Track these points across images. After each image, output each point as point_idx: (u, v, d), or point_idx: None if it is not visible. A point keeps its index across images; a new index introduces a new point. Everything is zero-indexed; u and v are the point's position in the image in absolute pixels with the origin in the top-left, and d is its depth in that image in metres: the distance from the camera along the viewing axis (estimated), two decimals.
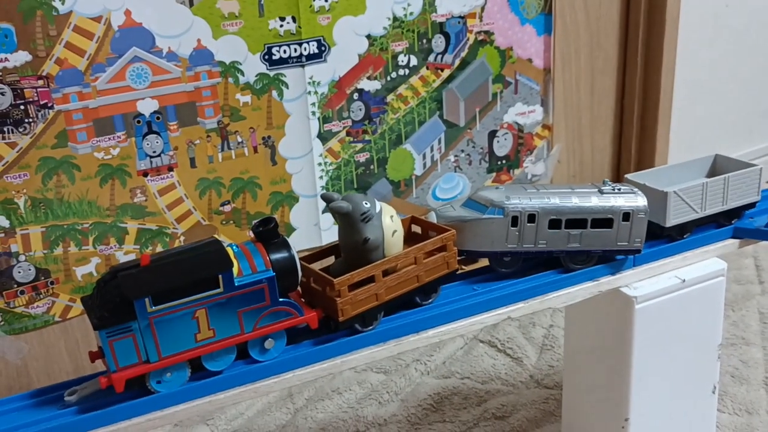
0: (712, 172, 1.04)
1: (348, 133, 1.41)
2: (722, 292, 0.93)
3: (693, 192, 0.92)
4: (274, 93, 1.32)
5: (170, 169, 1.27)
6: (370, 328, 0.79)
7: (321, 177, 1.41)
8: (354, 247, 0.79)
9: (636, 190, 0.87)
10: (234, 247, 0.77)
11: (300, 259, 0.84)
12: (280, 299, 0.76)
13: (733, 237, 0.95)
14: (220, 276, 0.72)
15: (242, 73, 1.28)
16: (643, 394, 0.92)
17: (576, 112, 1.71)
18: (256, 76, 1.29)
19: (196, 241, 0.77)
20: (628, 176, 0.97)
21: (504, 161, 1.62)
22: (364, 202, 0.78)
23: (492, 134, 1.59)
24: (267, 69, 1.30)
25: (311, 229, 1.43)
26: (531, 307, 0.84)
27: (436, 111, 1.50)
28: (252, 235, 0.80)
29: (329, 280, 0.77)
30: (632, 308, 0.87)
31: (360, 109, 1.42)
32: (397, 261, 0.80)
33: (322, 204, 1.42)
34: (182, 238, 1.31)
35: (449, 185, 1.58)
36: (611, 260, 0.88)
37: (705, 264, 0.93)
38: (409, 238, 0.87)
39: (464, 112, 1.54)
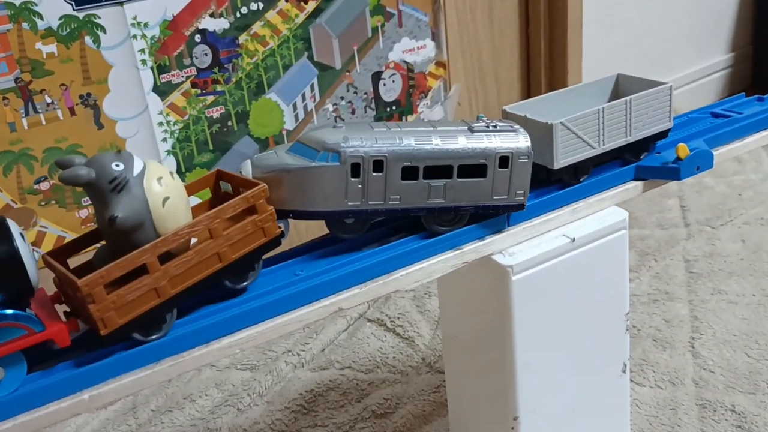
0: (615, 96, 0.83)
1: (194, 84, 1.17)
2: (625, 249, 0.74)
3: (586, 121, 0.72)
4: (88, 39, 1.07)
5: None
6: (157, 336, 0.57)
7: (165, 140, 1.17)
8: (110, 229, 0.56)
9: (517, 127, 0.66)
10: None
11: (52, 251, 0.61)
12: (2, 311, 0.54)
13: (635, 179, 0.75)
14: None
15: (40, 17, 1.02)
16: (533, 385, 0.72)
17: (474, 45, 1.49)
18: (59, 19, 1.04)
19: None
20: (507, 108, 0.76)
21: (394, 107, 1.41)
22: (114, 164, 0.56)
23: (376, 76, 1.37)
24: (73, 10, 1.04)
25: None
26: (370, 291, 0.63)
27: (304, 52, 1.27)
28: None
29: (74, 282, 0.54)
30: (508, 280, 0.67)
31: (205, 54, 1.18)
32: (177, 239, 0.57)
33: None
34: None
35: None
36: (487, 219, 0.67)
37: (600, 216, 0.73)
38: (220, 201, 0.65)
39: (339, 52, 1.32)
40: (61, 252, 0.61)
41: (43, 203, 1.09)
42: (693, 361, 0.98)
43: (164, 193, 0.57)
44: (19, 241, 0.55)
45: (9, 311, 0.54)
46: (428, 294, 1.20)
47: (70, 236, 1.13)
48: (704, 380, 0.95)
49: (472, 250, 0.67)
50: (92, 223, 1.14)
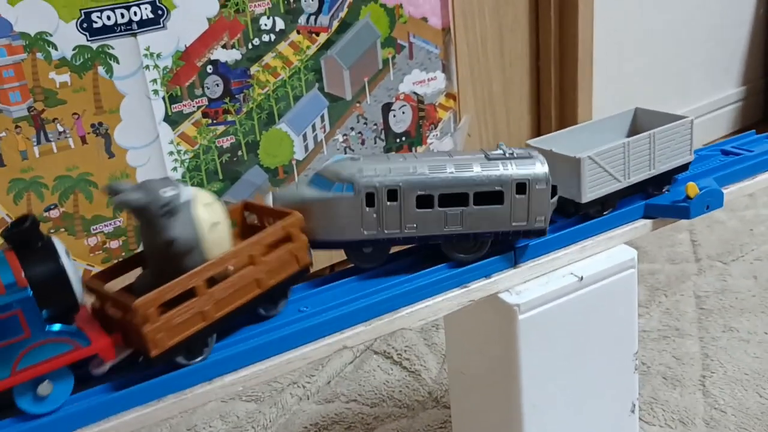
0: (633, 131, 0.83)
1: (204, 114, 1.18)
2: (634, 288, 0.73)
3: (612, 155, 0.72)
4: (101, 69, 1.08)
5: None
6: (200, 359, 0.57)
7: (175, 169, 1.18)
8: (160, 253, 0.57)
9: (534, 153, 0.66)
10: None
11: (94, 276, 0.62)
12: (50, 327, 0.54)
13: (645, 216, 0.75)
14: None
15: (54, 47, 1.03)
16: (539, 423, 0.71)
17: (485, 77, 1.50)
18: (73, 49, 1.05)
19: None
20: (531, 142, 0.76)
21: (404, 138, 1.41)
22: (163, 190, 0.56)
23: (387, 107, 1.37)
24: (87, 40, 1.05)
25: None
26: (375, 329, 0.62)
27: (315, 83, 1.28)
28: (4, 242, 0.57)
29: (126, 304, 0.55)
30: (514, 319, 0.67)
31: (217, 85, 1.18)
32: (224, 263, 0.59)
33: None
34: None
35: None
36: (509, 248, 0.67)
37: (609, 254, 0.72)
38: (245, 232, 0.66)
39: (350, 83, 1.32)
40: (101, 276, 0.61)
41: (52, 231, 1.10)
42: (704, 401, 0.97)
43: (212, 219, 0.58)
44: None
45: (56, 327, 0.55)
46: (435, 327, 1.19)
47: (79, 264, 1.13)
48: (715, 420, 0.93)
49: (479, 288, 0.67)
50: (100, 251, 1.14)
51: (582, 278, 0.69)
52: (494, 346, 0.70)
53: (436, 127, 1.45)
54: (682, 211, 0.73)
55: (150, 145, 1.14)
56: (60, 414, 0.52)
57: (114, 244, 1.15)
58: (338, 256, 1.34)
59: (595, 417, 0.76)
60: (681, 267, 1.29)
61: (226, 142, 1.21)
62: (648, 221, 0.75)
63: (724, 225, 1.40)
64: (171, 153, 1.16)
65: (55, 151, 1.07)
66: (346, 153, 1.35)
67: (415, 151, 1.42)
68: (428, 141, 1.44)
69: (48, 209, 1.08)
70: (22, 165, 1.05)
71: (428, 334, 1.18)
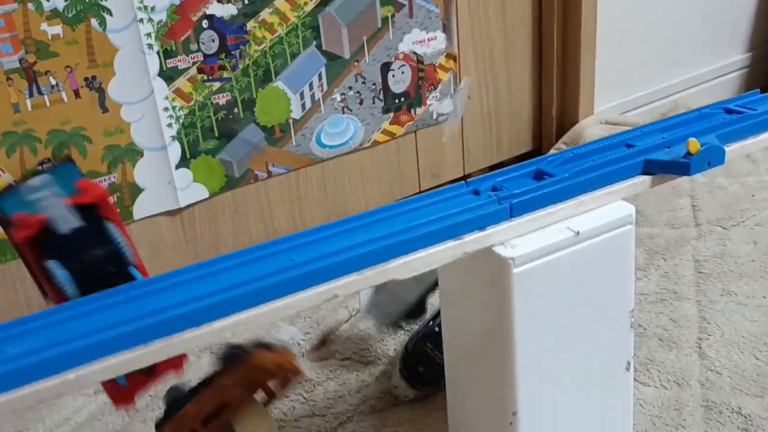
0: None
1: (200, 70, 1.16)
2: (631, 245, 0.72)
3: None
4: (94, 22, 1.06)
5: None
6: None
7: (170, 125, 1.16)
8: None
9: None
10: None
11: None
12: None
13: (643, 173, 0.73)
14: None
15: None
16: (533, 381, 0.71)
17: (486, 39, 1.48)
18: (65, 0, 1.03)
19: None
20: None
21: (403, 99, 1.39)
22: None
23: (385, 67, 1.35)
24: None
25: (164, 188, 1.19)
26: (367, 279, 0.61)
27: (313, 40, 1.26)
28: None
29: None
30: (509, 273, 0.66)
31: (213, 40, 1.16)
32: None
33: (175, 158, 1.18)
34: None
35: (337, 129, 1.34)
36: (504, 200, 0.66)
37: (606, 210, 0.71)
38: None
39: (348, 41, 1.30)
40: None
41: None
42: (700, 362, 0.96)
43: None
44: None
45: None
46: None
47: None
48: (711, 382, 0.93)
49: (473, 240, 0.65)
50: None
51: (578, 233, 0.68)
52: (488, 301, 0.69)
53: (435, 89, 1.43)
54: (682, 167, 0.71)
55: (144, 101, 1.13)
56: (44, 355, 0.52)
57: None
58: (336, 213, 1.33)
59: (590, 374, 0.75)
60: (681, 231, 1.27)
61: (221, 99, 1.19)
62: (647, 177, 0.73)
63: (725, 190, 1.38)
64: (166, 109, 1.15)
65: (47, 104, 1.05)
66: (344, 113, 1.33)
67: (415, 112, 1.41)
68: (428, 102, 1.43)
69: (41, 163, 1.07)
70: (14, 118, 1.04)
71: None
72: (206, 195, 1.23)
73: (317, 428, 0.92)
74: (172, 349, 0.55)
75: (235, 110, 1.21)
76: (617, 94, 1.70)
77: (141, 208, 1.17)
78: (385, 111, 1.38)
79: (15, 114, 1.03)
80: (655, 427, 0.87)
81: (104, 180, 1.13)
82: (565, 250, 0.68)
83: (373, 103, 1.36)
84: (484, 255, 0.67)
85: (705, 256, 1.19)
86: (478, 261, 0.67)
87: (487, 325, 0.71)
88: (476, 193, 0.70)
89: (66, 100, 1.06)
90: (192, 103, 1.17)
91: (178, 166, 1.18)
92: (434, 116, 1.44)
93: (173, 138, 1.17)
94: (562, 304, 0.70)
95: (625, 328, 0.76)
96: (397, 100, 1.38)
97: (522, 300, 0.67)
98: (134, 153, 1.14)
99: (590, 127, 1.59)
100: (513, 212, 0.67)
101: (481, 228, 0.66)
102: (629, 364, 0.78)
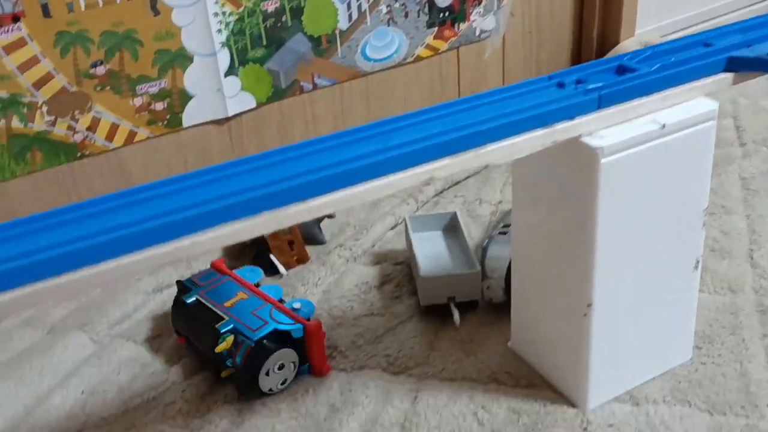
0: None
1: None
2: (712, 141, 0.72)
3: None
4: None
5: (16, 19, 0.99)
6: None
7: (219, 31, 1.15)
8: None
9: None
10: None
11: None
12: None
13: (726, 70, 0.73)
14: None
15: None
16: (609, 272, 0.72)
17: None
18: None
19: None
20: None
21: (447, 13, 1.37)
22: None
23: None
24: None
25: (212, 96, 1.18)
26: (462, 163, 0.62)
27: None
28: None
29: None
30: (596, 163, 0.66)
31: None
32: None
33: (224, 65, 1.17)
34: (45, 108, 1.05)
35: (382, 42, 1.33)
36: (592, 91, 0.66)
37: (690, 105, 0.71)
38: None
39: None
40: None
41: (98, 88, 1.08)
42: (752, 271, 0.98)
43: None
44: None
45: None
46: (479, 201, 1.19)
47: (125, 123, 1.12)
48: (764, 289, 0.94)
49: (562, 129, 0.66)
50: (145, 112, 1.13)
51: (664, 126, 0.68)
52: (571, 192, 0.70)
53: (479, 4, 1.40)
54: (766, 63, 0.71)
55: (195, 4, 1.11)
56: (164, 220, 0.52)
57: (159, 106, 1.14)
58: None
59: (661, 270, 0.76)
60: (726, 150, 1.28)
61: (270, 6, 1.18)
62: (729, 75, 0.73)
63: None
64: (216, 14, 1.13)
65: (100, 5, 1.04)
66: (389, 26, 1.31)
67: (458, 27, 1.39)
68: (471, 18, 1.41)
69: (94, 65, 1.06)
70: (68, 17, 1.02)
71: (471, 207, 1.18)
72: (253, 105, 1.22)
73: (377, 326, 0.94)
74: (278, 222, 0.56)
75: (284, 18, 1.19)
76: (659, 16, 1.67)
77: (190, 115, 1.17)
78: (430, 25, 1.36)
79: (69, 14, 1.02)
80: (711, 328, 0.89)
81: (155, 85, 1.12)
82: (650, 143, 0.68)
83: (418, 16, 1.34)
84: (572, 145, 0.67)
85: (752, 173, 1.20)
86: (564, 151, 0.68)
87: (567, 217, 0.72)
88: (561, 85, 0.70)
89: (118, 1, 1.05)
90: (241, 9, 1.15)
91: (227, 74, 1.17)
92: (477, 33, 1.42)
93: (222, 44, 1.15)
94: (644, 197, 0.71)
95: (697, 226, 0.77)
96: (441, 14, 1.36)
97: (607, 191, 0.68)
98: (184, 58, 1.13)
99: (630, 49, 1.57)
100: (601, 103, 0.67)
101: (570, 117, 0.66)
102: (698, 262, 0.79)
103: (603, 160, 0.66)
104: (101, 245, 0.49)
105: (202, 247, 0.53)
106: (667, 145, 0.69)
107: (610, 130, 0.68)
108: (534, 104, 0.66)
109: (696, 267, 0.79)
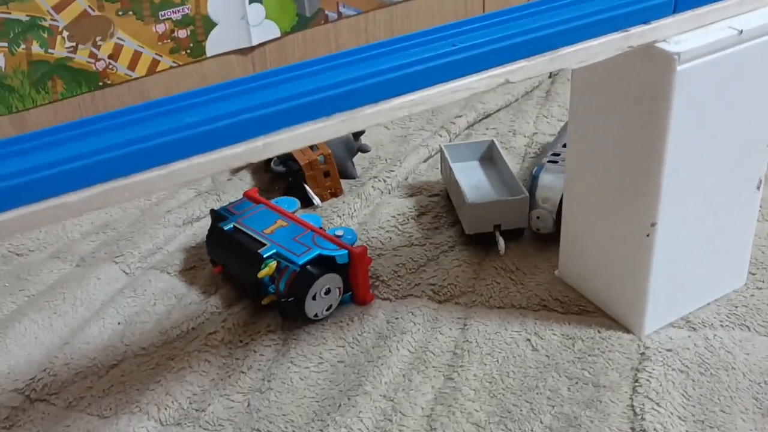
0: None
1: None
2: None
3: None
4: None
5: None
6: None
7: None
8: None
9: None
10: None
11: None
12: None
13: None
14: None
15: None
16: (676, 189, 0.69)
17: None
18: None
19: None
20: None
21: None
22: None
23: None
24: None
25: (236, 23, 1.13)
26: (536, 66, 0.58)
27: None
28: None
29: None
30: (672, 70, 0.63)
31: None
32: None
33: None
34: (65, 33, 1.00)
35: None
36: None
37: (767, 11, 0.68)
38: None
39: None
40: None
41: (120, 13, 1.03)
42: None
43: None
44: None
45: None
46: (512, 132, 1.16)
47: (147, 52, 1.07)
48: None
49: (638, 33, 0.62)
50: (168, 40, 1.08)
51: (741, 32, 0.65)
52: (642, 101, 0.66)
53: None
54: None
55: None
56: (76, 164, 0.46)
57: (182, 33, 1.09)
58: None
59: (725, 188, 0.73)
60: None
61: None
62: None
63: None
64: None
65: None
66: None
67: None
68: None
69: None
70: None
71: (505, 138, 1.15)
72: (278, 34, 1.18)
73: (418, 256, 0.91)
74: (353, 124, 0.53)
75: None
76: None
77: (214, 43, 1.12)
78: None
79: None
80: (764, 255, 0.87)
81: (177, 11, 1.07)
82: (727, 50, 0.65)
83: None
84: (646, 51, 0.64)
85: None
86: (637, 58, 0.64)
87: (635, 130, 0.68)
88: None
89: None
90: None
91: (251, 0, 1.13)
92: None
93: None
94: (717, 109, 0.68)
95: (764, 144, 0.74)
96: None
97: (681, 100, 0.64)
98: None
99: None
100: (677, 7, 0.64)
101: (646, 21, 0.63)
102: (760, 182, 0.76)
103: (679, 68, 0.63)
104: (174, 142, 0.46)
105: (274, 149, 0.50)
106: (744, 53, 0.66)
107: (686, 36, 0.64)
108: (608, 6, 0.62)
109: (758, 187, 0.76)
